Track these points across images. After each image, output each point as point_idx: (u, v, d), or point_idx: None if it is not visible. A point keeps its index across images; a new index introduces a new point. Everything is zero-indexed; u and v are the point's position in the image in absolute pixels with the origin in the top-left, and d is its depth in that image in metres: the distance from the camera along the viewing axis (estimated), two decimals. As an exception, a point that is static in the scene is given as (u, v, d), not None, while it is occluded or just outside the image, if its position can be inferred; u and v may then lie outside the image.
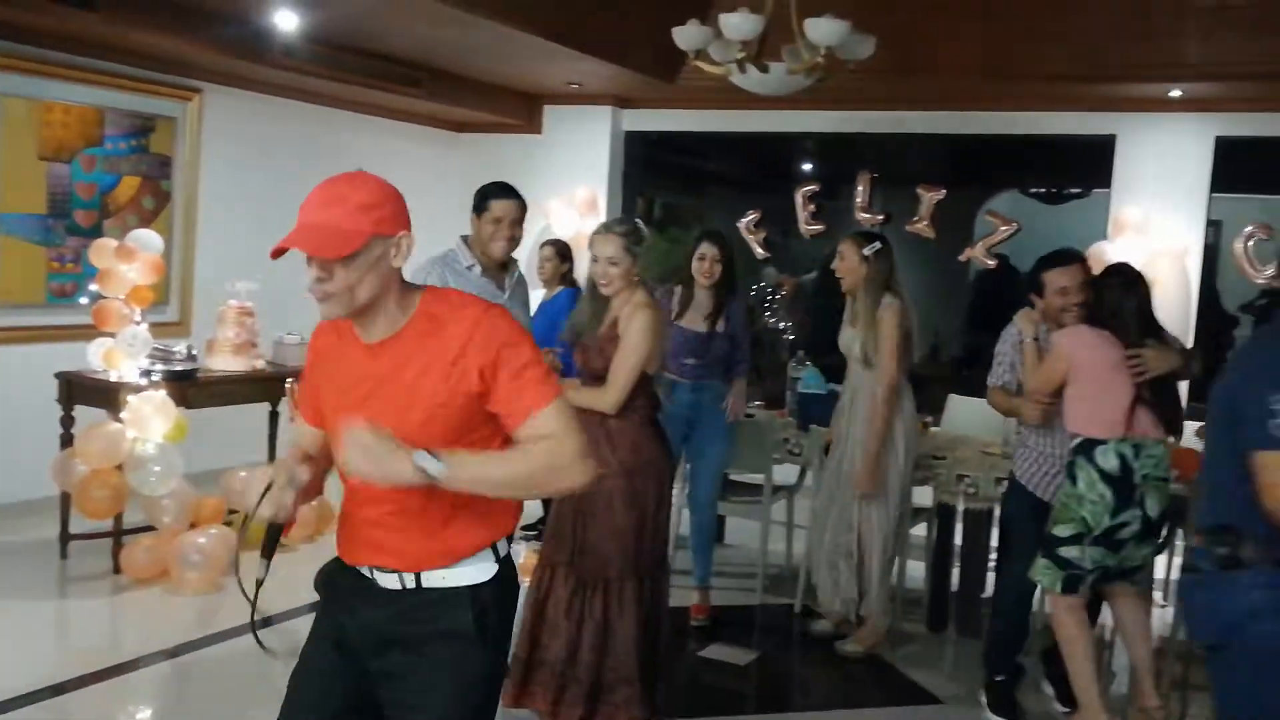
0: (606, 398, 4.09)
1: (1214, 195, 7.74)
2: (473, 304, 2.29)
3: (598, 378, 4.17)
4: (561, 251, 7.11)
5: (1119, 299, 4.32)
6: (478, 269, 4.67)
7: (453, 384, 2.23)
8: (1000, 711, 4.80)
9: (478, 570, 2.34)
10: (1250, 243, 7.43)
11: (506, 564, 2.40)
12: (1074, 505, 4.30)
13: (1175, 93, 7.49)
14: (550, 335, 5.83)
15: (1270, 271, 7.38)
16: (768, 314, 10.10)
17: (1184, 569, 2.91)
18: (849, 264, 5.21)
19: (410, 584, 2.34)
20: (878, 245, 5.21)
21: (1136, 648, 4.59)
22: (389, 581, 2.36)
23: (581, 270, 5.56)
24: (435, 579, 2.33)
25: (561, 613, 4.12)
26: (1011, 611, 4.83)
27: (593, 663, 4.07)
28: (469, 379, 2.23)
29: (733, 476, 6.32)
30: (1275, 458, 2.58)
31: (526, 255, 7.03)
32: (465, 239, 4.77)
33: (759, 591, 6.27)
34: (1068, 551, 4.32)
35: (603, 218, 9.03)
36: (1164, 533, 4.68)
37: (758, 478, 6.23)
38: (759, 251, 9.00)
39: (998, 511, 5.19)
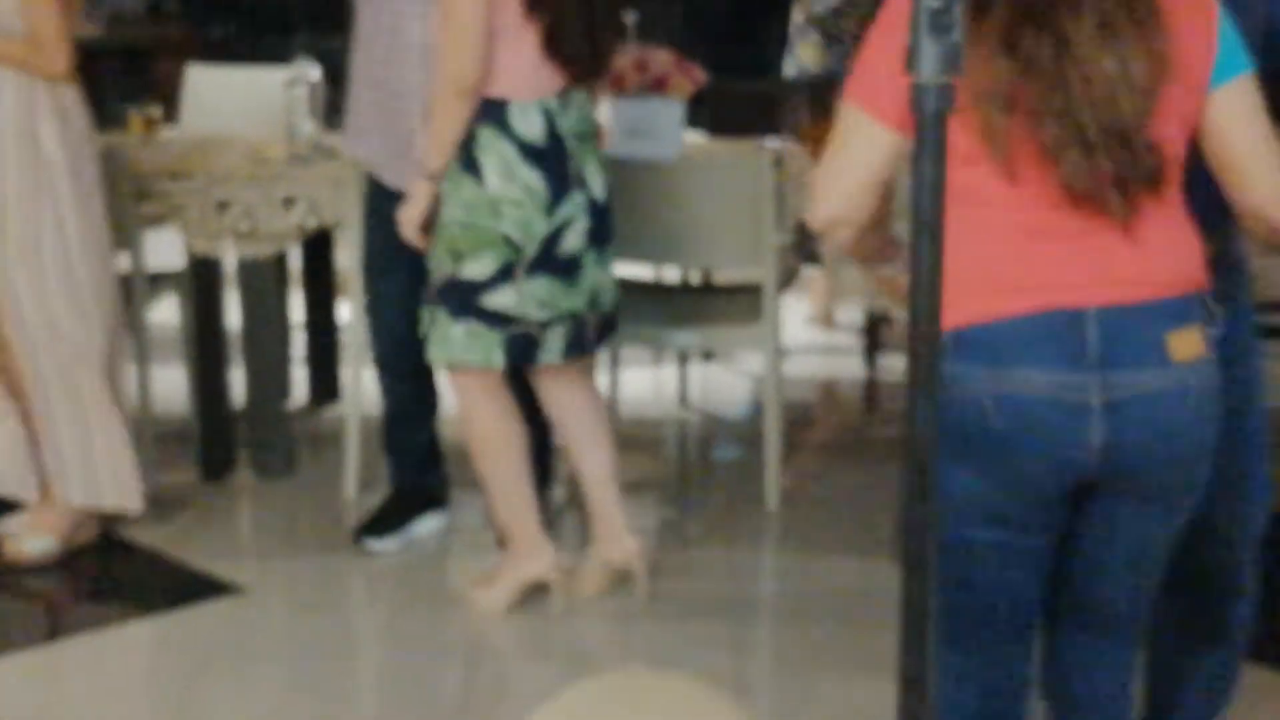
0: None
1: None
2: None
3: None
4: None
5: None
6: None
7: None
8: (378, 531, 3.58)
9: None
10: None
11: None
12: (484, 219, 3.01)
13: None
14: None
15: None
16: None
17: None
18: None
19: None
20: None
21: (588, 456, 3.31)
22: None
23: None
24: None
25: None
26: (403, 367, 3.49)
27: None
28: None
29: None
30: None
31: None
32: None
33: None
34: (499, 301, 3.06)
35: None
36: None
37: None
38: None
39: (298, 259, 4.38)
